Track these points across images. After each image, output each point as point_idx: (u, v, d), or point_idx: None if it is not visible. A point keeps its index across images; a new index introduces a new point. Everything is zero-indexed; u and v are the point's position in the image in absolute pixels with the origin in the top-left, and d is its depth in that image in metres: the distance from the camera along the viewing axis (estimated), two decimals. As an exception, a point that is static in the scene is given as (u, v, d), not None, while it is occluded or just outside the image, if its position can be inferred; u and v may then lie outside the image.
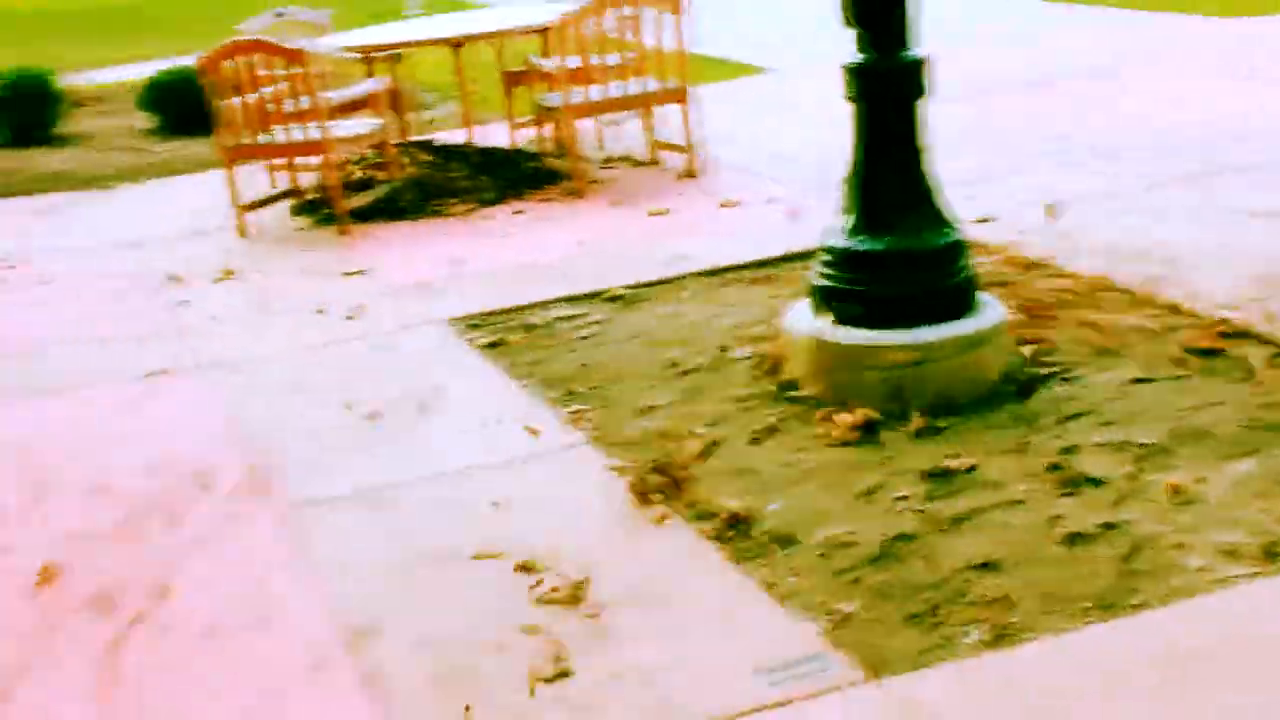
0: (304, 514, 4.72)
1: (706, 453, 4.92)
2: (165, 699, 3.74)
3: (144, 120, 12.65)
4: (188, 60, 11.77)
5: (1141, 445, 4.61)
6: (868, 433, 4.91)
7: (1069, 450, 4.62)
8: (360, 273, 7.39)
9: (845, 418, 4.93)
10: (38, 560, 4.48)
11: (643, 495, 4.55)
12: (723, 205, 8.04)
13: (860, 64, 5.10)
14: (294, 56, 8.03)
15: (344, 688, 3.69)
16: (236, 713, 3.63)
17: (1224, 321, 5.60)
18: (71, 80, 13.65)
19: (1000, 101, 10.34)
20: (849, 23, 5.05)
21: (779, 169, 8.88)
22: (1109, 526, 4.11)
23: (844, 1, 5.03)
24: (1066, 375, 5.22)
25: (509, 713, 3.50)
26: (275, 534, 4.64)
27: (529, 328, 6.38)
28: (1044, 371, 5.28)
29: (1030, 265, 6.50)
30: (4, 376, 6.38)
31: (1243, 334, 5.43)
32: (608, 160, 9.45)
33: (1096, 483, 4.39)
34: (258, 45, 8.15)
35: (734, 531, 4.31)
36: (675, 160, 9.09)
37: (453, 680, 3.66)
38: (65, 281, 7.87)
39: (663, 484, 4.64)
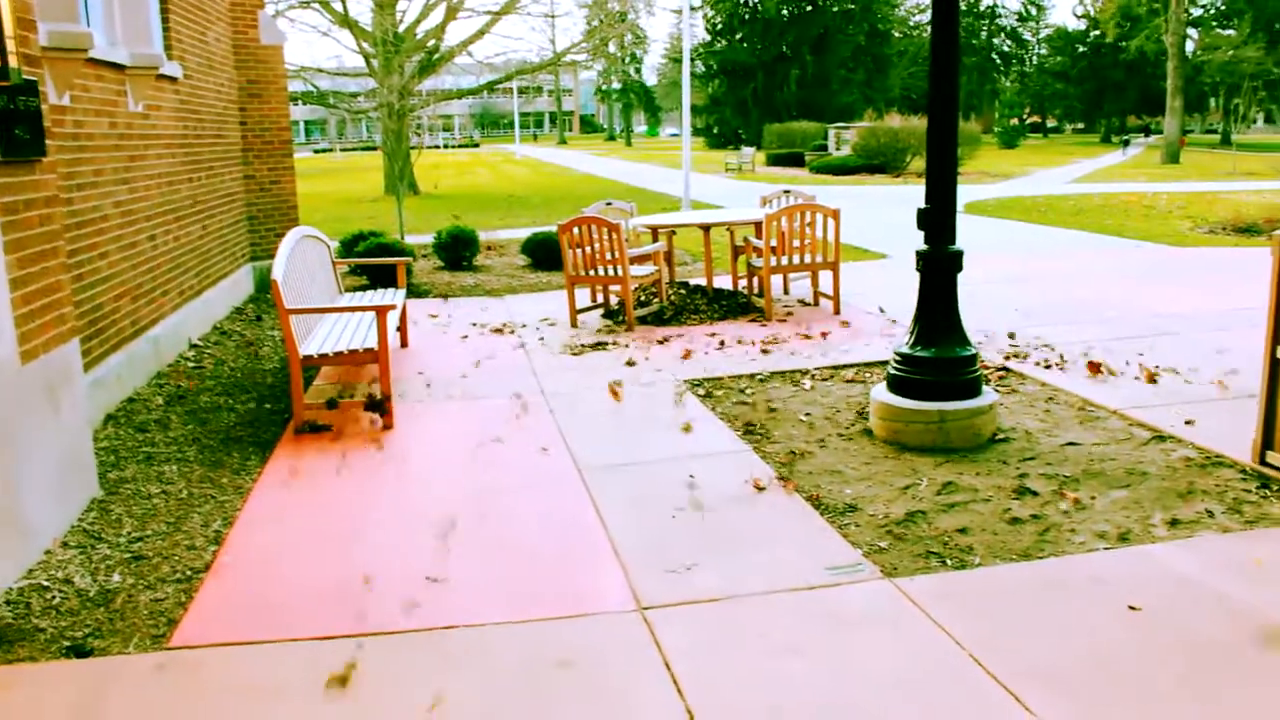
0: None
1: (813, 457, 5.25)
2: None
3: (522, 260, 13.13)
4: (549, 227, 12.82)
5: (1064, 477, 4.91)
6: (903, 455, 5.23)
7: (1022, 476, 4.93)
8: (636, 352, 7.86)
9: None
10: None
11: (784, 480, 4.98)
12: (851, 331, 8.34)
13: (923, 251, 5.52)
14: (612, 228, 8.52)
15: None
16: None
17: (1119, 413, 5.76)
18: (483, 235, 14.18)
19: (1020, 285, 10.44)
20: (919, 227, 5.51)
21: (884, 310, 9.12)
22: (1035, 517, 4.45)
23: (917, 217, 5.53)
24: (1028, 438, 5.47)
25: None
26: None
27: (727, 388, 6.73)
28: (1013, 435, 5.53)
29: (1019, 375, 6.68)
30: (449, 388, 6.98)
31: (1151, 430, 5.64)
32: (788, 303, 9.80)
33: (1034, 493, 4.72)
34: (591, 220, 8.67)
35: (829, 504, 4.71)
36: (827, 304, 9.41)
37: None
38: (475, 338, 8.58)
39: (785, 474, 5.05)
